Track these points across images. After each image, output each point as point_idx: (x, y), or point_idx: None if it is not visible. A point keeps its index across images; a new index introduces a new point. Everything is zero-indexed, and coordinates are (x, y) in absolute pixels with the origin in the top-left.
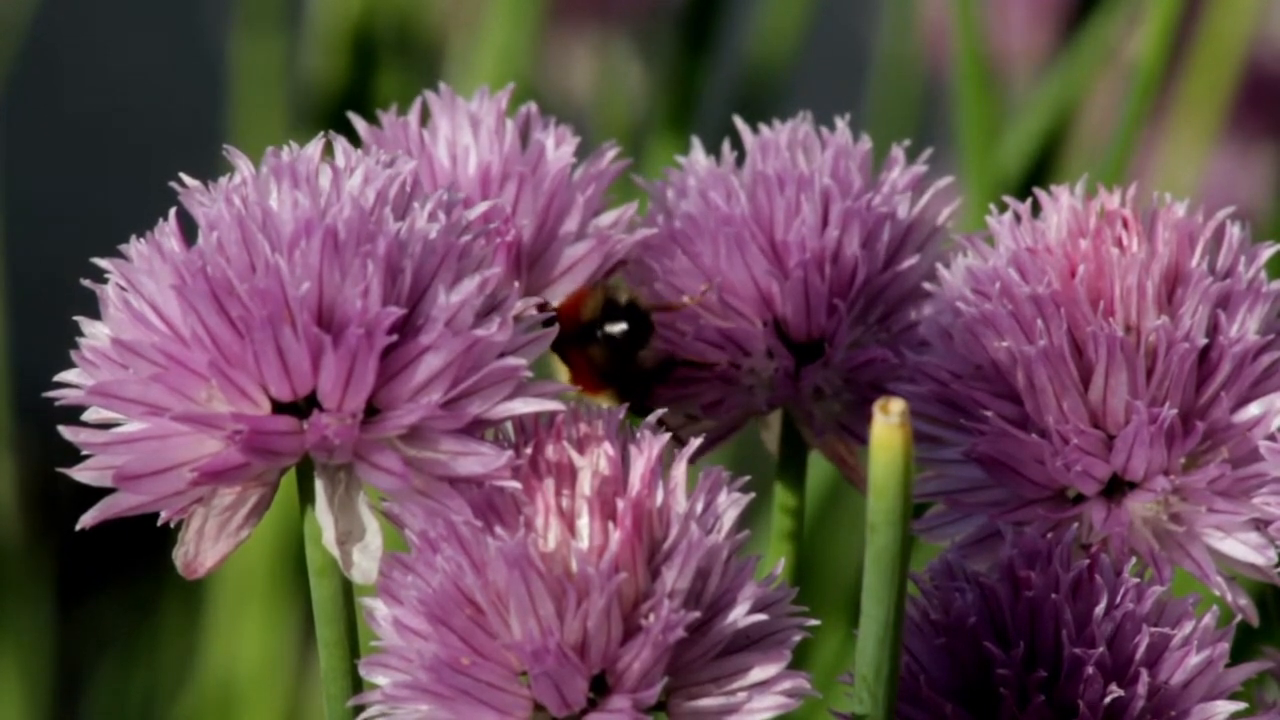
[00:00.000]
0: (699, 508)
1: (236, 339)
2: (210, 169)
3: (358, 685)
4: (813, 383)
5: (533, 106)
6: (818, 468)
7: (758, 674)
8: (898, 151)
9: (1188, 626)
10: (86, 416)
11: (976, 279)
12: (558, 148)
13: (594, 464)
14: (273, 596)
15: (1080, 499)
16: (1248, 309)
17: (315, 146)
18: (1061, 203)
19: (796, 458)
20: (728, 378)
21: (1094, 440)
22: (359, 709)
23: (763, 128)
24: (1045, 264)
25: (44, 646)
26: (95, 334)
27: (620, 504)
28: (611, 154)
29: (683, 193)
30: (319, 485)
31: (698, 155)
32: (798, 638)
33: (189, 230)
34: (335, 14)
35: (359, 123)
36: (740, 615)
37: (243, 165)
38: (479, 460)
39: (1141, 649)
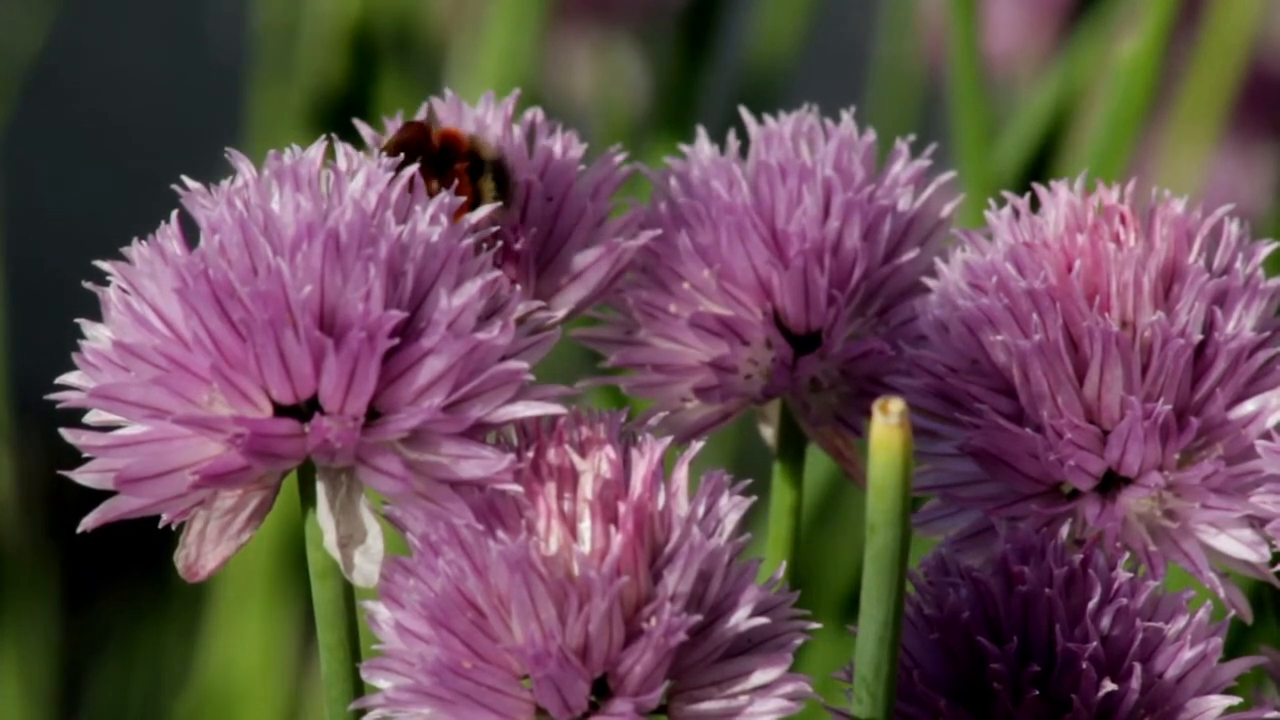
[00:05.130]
0: (700, 511)
1: (238, 342)
2: (211, 170)
3: (359, 688)
4: (809, 374)
5: (538, 112)
6: (815, 467)
7: (759, 677)
8: (901, 145)
9: (1181, 621)
10: (88, 419)
11: (973, 273)
12: (565, 153)
13: (595, 467)
14: (273, 598)
15: (1074, 494)
16: (1244, 305)
17: (317, 149)
18: (1060, 198)
19: (795, 451)
20: (723, 365)
21: (1089, 435)
22: (361, 712)
23: (767, 118)
24: (1042, 259)
25: (46, 647)
26: (97, 336)
27: (622, 507)
28: (618, 159)
29: (686, 181)
30: (320, 488)
31: (702, 144)
32: (799, 641)
33: (191, 233)
34: (335, 14)
35: (363, 128)
36: (742, 619)
37: (244, 168)
38: (480, 463)
39: (1135, 644)
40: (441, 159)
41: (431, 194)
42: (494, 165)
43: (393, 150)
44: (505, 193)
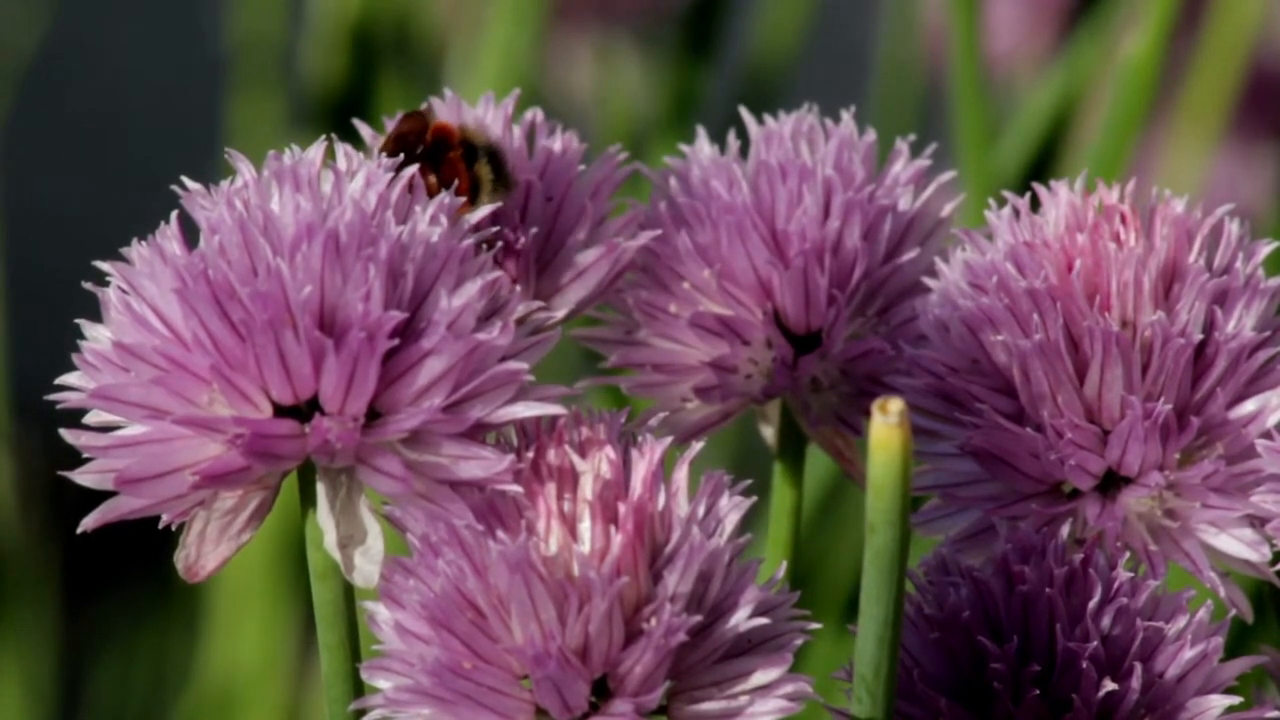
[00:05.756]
0: (701, 511)
1: (238, 342)
2: (211, 170)
3: (359, 689)
4: (810, 373)
5: (538, 112)
6: (816, 466)
7: (759, 678)
8: (901, 145)
9: (1182, 621)
10: (88, 419)
11: (974, 273)
12: (565, 153)
13: (595, 468)
14: (273, 599)
15: (1075, 494)
16: (1245, 305)
17: (317, 149)
18: (1060, 198)
19: (795, 450)
20: (723, 365)
21: (1089, 435)
22: (361, 712)
23: (767, 118)
24: (1042, 258)
25: (46, 647)
26: (97, 337)
27: (622, 508)
28: (618, 159)
29: (686, 181)
30: (320, 489)
31: (702, 144)
32: (799, 641)
33: (190, 233)
34: (335, 14)
35: (363, 128)
36: (742, 619)
37: (244, 168)
38: (480, 464)
39: (1136, 643)
40: (435, 151)
41: (429, 187)
42: (488, 151)
43: (391, 144)
44: (503, 178)
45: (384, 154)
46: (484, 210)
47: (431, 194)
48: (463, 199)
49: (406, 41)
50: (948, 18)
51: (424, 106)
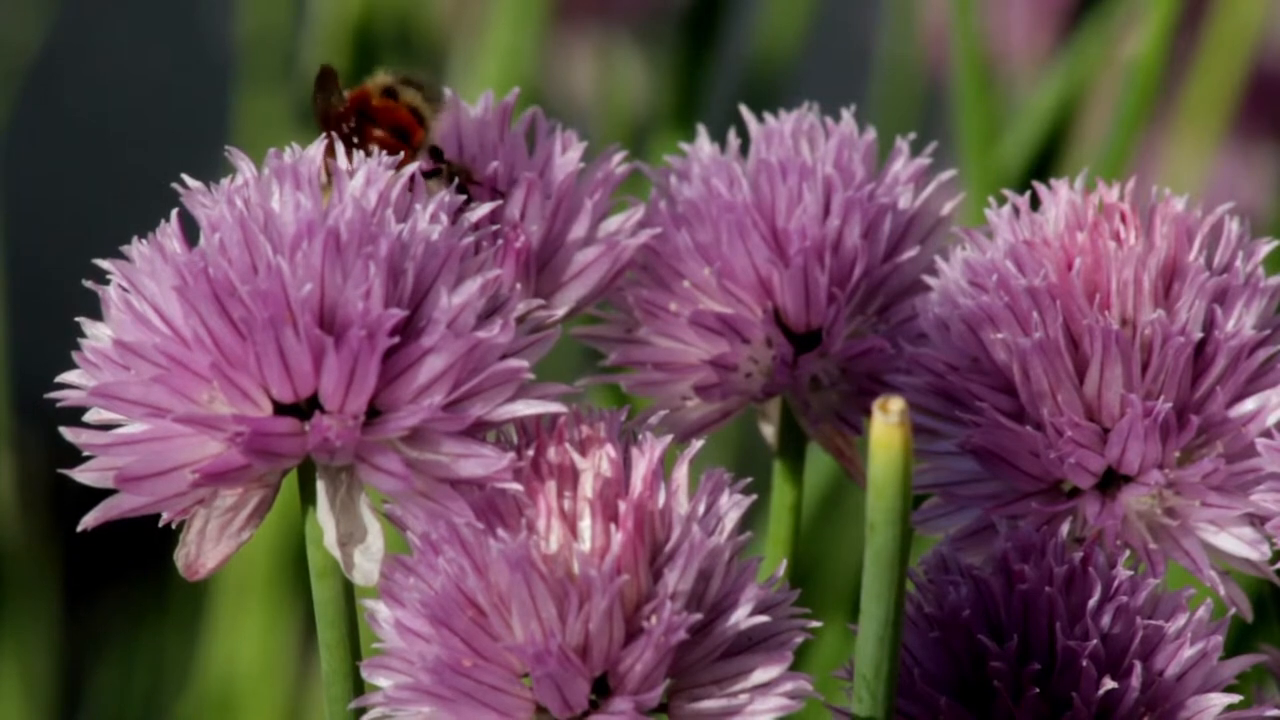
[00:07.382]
0: (701, 509)
1: (238, 340)
2: (211, 169)
3: (359, 687)
4: (810, 372)
5: (538, 111)
6: (816, 465)
7: (760, 676)
8: (902, 143)
9: (1182, 619)
10: (88, 417)
11: (974, 271)
12: (565, 152)
13: (596, 466)
14: (273, 597)
15: (1075, 492)
16: (1244, 304)
17: (317, 147)
18: (1060, 196)
19: (795, 449)
20: (724, 363)
21: (1089, 433)
22: (361, 711)
23: (768, 117)
24: (1042, 257)
25: (46, 647)
26: (97, 335)
27: (622, 506)
28: (618, 157)
29: (686, 179)
30: (320, 487)
31: (702, 143)
32: (799, 639)
33: (191, 231)
34: (337, 13)
35: None
36: (742, 617)
37: (245, 166)
38: (481, 462)
39: (1135, 642)
40: (363, 113)
41: (378, 140)
42: (403, 81)
43: (328, 132)
44: (432, 94)
45: (327, 143)
46: (485, 208)
47: (385, 145)
48: (440, 164)
49: (408, 40)
50: (949, 17)
51: (325, 68)
